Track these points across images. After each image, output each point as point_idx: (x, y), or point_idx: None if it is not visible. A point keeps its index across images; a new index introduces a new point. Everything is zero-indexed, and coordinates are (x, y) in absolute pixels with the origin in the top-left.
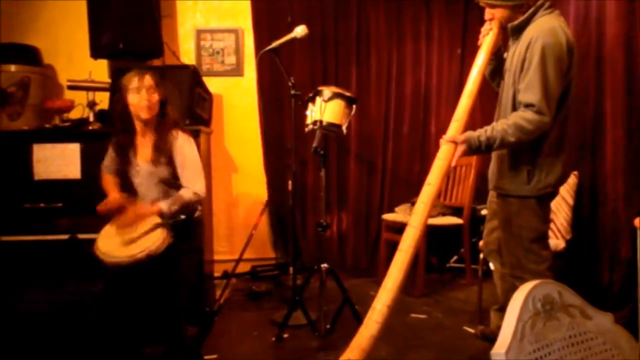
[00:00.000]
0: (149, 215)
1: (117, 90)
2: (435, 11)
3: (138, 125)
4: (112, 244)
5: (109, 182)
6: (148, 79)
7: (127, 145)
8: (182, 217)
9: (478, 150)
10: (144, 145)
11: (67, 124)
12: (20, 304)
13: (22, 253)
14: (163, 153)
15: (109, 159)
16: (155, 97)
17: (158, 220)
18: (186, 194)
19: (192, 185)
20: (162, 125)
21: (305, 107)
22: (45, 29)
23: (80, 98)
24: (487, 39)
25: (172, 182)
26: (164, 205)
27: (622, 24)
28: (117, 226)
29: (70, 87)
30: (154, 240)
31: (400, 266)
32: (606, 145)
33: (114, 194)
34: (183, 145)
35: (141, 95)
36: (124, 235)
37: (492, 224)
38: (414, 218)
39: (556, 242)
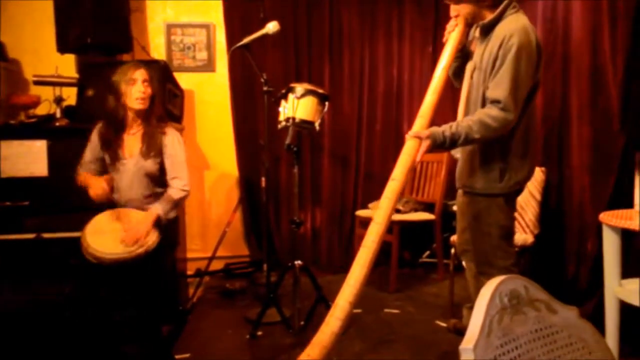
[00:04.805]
0: (151, 224)
1: (108, 87)
2: (407, 9)
3: (128, 119)
4: (105, 241)
5: (86, 175)
6: (144, 72)
7: (114, 140)
8: (172, 215)
9: (442, 145)
10: (132, 140)
11: (33, 120)
12: None
13: None
14: (153, 146)
15: (90, 152)
16: (149, 90)
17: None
18: (175, 193)
19: (181, 179)
20: (150, 119)
21: (278, 104)
22: (10, 22)
23: (46, 94)
24: (452, 35)
25: (157, 177)
26: (160, 211)
27: (587, 22)
28: (121, 241)
29: (37, 83)
30: (150, 235)
31: (363, 263)
32: (572, 142)
33: (95, 181)
34: (173, 140)
35: (137, 87)
36: (117, 232)
37: (463, 224)
38: (378, 213)
39: (525, 236)
